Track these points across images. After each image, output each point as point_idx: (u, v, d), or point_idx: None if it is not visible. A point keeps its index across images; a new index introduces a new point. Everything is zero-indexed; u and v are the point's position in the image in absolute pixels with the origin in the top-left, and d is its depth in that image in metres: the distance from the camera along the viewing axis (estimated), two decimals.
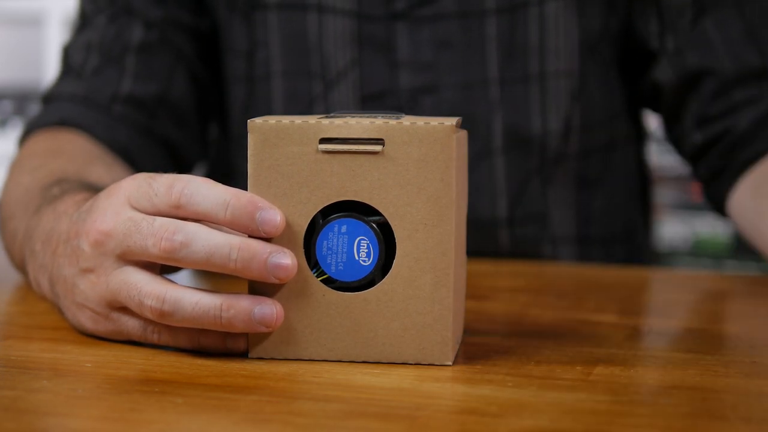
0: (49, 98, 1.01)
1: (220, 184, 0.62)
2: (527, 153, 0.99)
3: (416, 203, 0.62)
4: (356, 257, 0.63)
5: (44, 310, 0.78)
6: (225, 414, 0.54)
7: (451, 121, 0.62)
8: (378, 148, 0.62)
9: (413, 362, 0.62)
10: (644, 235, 1.12)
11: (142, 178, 0.64)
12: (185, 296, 0.62)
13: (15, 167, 0.93)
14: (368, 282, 0.63)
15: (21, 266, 0.81)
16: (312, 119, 0.63)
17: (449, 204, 0.62)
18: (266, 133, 0.62)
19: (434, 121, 0.62)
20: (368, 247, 0.63)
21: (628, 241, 1.09)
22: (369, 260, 0.63)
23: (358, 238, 0.63)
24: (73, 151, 0.94)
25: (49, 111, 1.00)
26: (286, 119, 0.63)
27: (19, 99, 2.58)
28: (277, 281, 0.61)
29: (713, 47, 0.98)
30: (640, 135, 1.10)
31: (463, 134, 0.66)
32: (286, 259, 0.61)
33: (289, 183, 0.62)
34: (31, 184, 0.84)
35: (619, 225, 1.07)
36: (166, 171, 0.99)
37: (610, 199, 1.05)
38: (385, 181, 0.62)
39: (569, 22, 0.98)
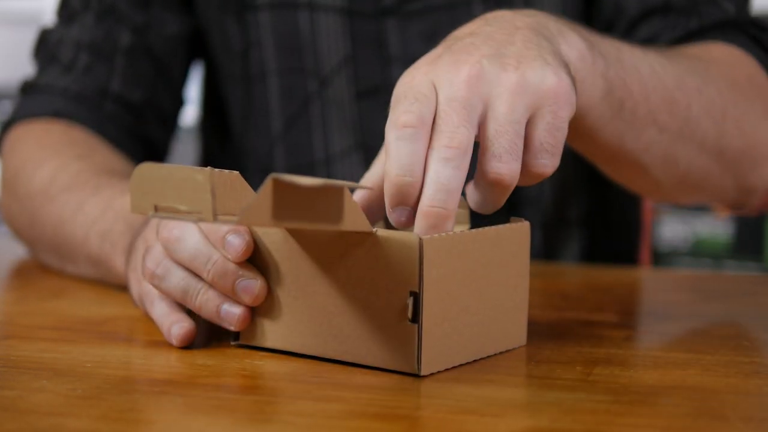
0: (34, 88, 1.03)
1: None
2: None
3: None
4: None
5: (44, 310, 0.78)
6: (225, 414, 0.54)
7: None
8: None
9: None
10: (637, 212, 1.12)
11: None
12: (176, 270, 0.66)
13: (37, 152, 0.95)
14: None
15: (84, 236, 0.85)
16: None
17: None
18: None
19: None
20: None
21: (625, 224, 1.09)
22: None
23: None
24: (97, 145, 0.98)
25: (40, 102, 1.01)
26: None
27: None
28: (245, 303, 0.65)
29: None
30: None
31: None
32: (254, 285, 0.64)
33: None
34: (87, 168, 0.90)
35: (618, 209, 1.07)
36: None
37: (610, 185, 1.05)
38: None
39: (555, 4, 0.98)
